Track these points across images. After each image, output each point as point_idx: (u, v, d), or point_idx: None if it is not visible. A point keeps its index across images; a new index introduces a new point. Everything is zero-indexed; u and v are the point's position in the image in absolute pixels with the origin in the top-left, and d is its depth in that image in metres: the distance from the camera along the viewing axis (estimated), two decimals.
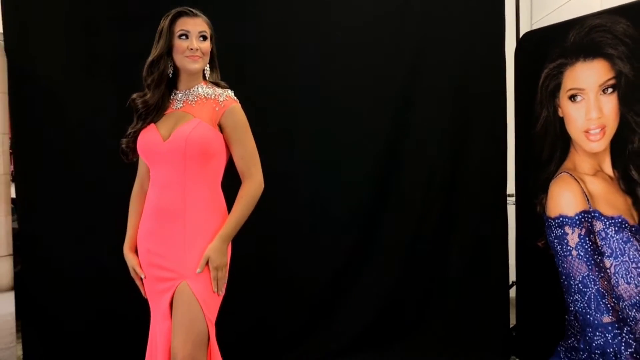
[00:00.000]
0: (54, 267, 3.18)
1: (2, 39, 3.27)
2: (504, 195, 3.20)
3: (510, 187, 3.21)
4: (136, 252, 1.90)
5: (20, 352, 3.19)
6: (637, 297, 2.47)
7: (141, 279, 1.88)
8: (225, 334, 3.04)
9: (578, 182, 2.70)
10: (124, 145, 1.92)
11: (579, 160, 2.70)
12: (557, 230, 2.79)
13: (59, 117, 3.17)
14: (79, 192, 3.16)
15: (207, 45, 1.85)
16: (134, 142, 1.88)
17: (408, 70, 3.16)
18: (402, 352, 3.19)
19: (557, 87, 2.77)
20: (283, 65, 3.14)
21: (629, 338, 2.52)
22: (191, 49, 1.81)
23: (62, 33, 3.15)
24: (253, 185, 1.86)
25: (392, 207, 3.17)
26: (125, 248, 1.92)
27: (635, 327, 2.49)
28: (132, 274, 1.90)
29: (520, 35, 3.12)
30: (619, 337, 2.55)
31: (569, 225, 2.73)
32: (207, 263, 1.77)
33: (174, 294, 1.77)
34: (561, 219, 2.78)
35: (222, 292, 1.83)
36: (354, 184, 3.16)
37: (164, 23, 1.83)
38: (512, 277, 3.22)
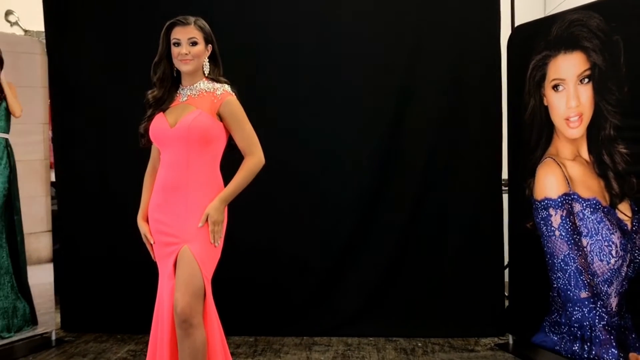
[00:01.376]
0: (88, 245, 3.71)
1: (43, 39, 3.81)
2: (499, 180, 3.50)
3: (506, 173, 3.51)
4: (147, 221, 2.34)
5: (58, 319, 3.74)
6: (609, 274, 2.75)
7: (151, 244, 2.32)
8: (241, 306, 3.52)
9: (560, 166, 2.99)
10: (142, 130, 2.37)
11: (560, 146, 2.98)
12: (543, 212, 3.09)
13: (94, 110, 3.69)
14: (110, 178, 3.67)
15: (197, 49, 2.24)
16: (148, 127, 2.32)
17: (407, 60, 3.50)
18: (401, 327, 3.56)
19: (543, 77, 3.05)
20: (287, 58, 3.54)
21: (602, 311, 2.80)
22: (182, 54, 2.23)
23: (97, 34, 3.67)
24: (254, 159, 2.26)
25: (392, 190, 3.52)
26: (138, 218, 2.35)
27: (607, 301, 2.77)
28: (144, 239, 2.33)
29: None
30: (594, 311, 2.83)
31: (553, 207, 3.03)
32: (206, 220, 2.18)
33: (177, 256, 2.20)
34: (546, 201, 3.07)
35: (218, 245, 2.22)
36: (354, 170, 3.54)
37: (162, 32, 2.26)
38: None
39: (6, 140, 3.34)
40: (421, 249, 3.55)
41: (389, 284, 3.57)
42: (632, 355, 2.66)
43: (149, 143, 2.36)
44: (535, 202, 3.12)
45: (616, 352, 2.72)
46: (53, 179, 3.75)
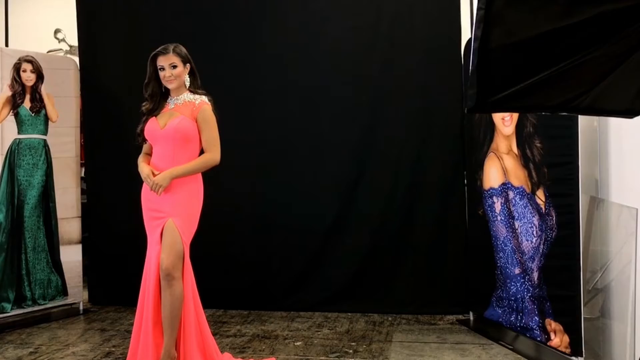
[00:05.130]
0: (113, 231, 4.70)
1: (76, 56, 4.87)
2: (461, 173, 4.23)
3: None
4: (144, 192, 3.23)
5: (86, 295, 4.75)
6: (532, 251, 3.46)
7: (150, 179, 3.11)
8: (238, 286, 4.42)
9: (499, 159, 3.72)
10: (138, 131, 3.30)
11: (499, 142, 3.70)
12: (489, 199, 3.81)
13: (119, 117, 4.67)
14: (131, 174, 4.63)
15: (177, 71, 3.07)
16: (143, 129, 3.26)
17: (382, 67, 4.25)
18: (377, 305, 4.32)
19: None
20: (289, 68, 4.40)
21: (529, 285, 3.50)
22: (167, 77, 3.11)
23: (120, 53, 4.68)
24: (210, 155, 3.07)
25: (368, 182, 4.28)
26: (140, 163, 3.15)
27: (532, 276, 3.47)
28: (147, 179, 3.07)
29: None
30: (524, 285, 3.54)
31: (495, 195, 3.75)
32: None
33: (163, 227, 3.11)
34: (491, 190, 3.80)
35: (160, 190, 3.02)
36: (336, 164, 4.34)
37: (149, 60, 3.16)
38: None
39: (45, 140, 4.36)
40: (394, 236, 4.29)
41: (367, 266, 4.33)
42: (547, 320, 3.36)
43: (144, 141, 3.30)
44: (484, 191, 3.85)
45: (538, 319, 3.42)
46: (83, 174, 4.79)
